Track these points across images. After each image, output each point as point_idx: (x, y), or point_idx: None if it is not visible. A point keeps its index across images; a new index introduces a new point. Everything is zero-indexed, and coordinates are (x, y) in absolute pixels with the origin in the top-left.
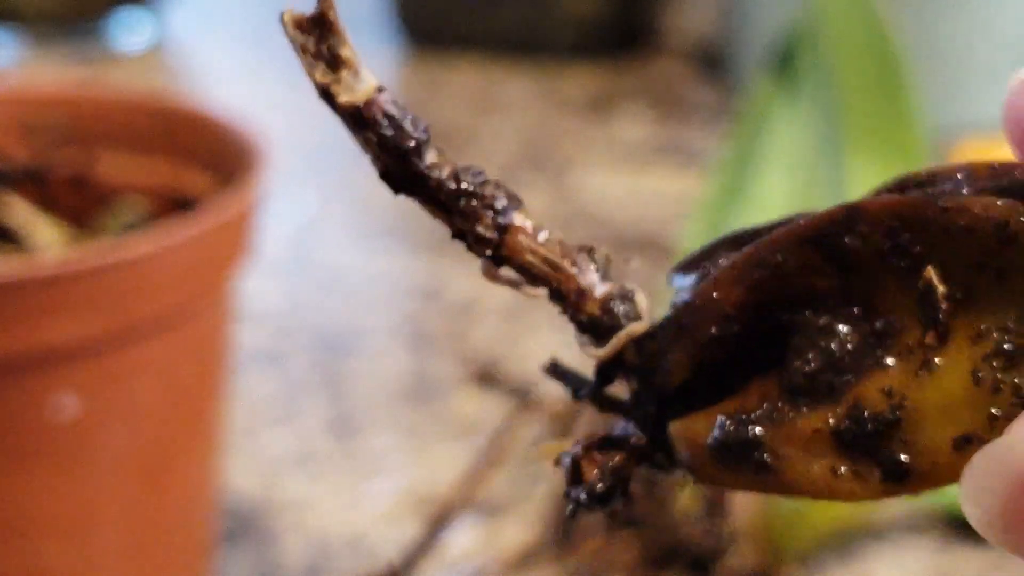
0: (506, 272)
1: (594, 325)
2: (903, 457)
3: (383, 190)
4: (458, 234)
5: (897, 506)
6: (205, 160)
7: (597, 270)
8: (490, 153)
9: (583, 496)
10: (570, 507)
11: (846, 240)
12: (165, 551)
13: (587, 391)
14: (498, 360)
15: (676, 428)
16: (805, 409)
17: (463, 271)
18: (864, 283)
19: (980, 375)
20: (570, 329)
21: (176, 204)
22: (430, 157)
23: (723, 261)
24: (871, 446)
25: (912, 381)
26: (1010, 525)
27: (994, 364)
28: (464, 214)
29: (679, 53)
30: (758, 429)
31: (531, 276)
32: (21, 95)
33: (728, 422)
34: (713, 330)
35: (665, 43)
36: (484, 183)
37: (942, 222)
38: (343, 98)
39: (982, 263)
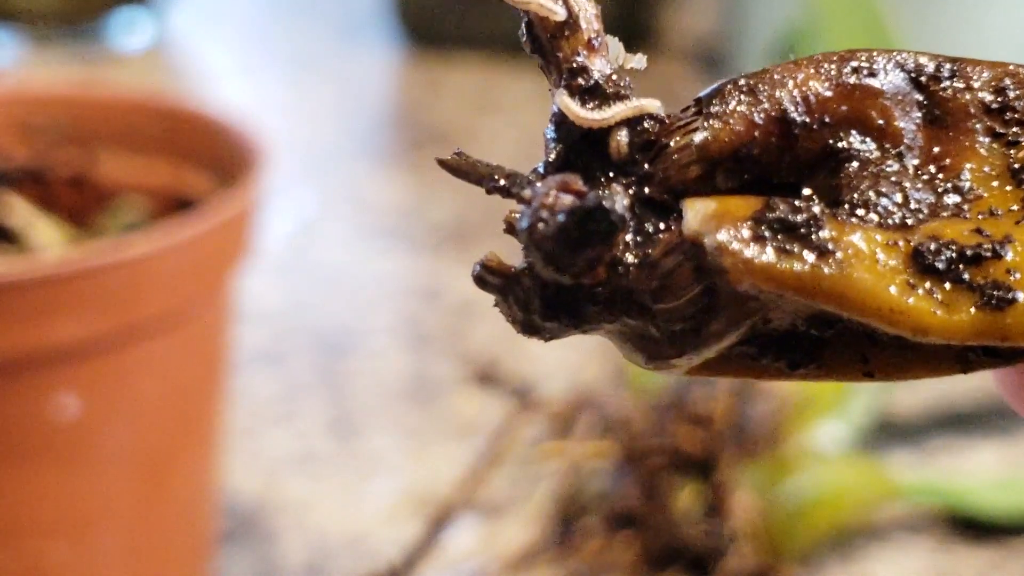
0: None
1: (596, 86)
2: (1009, 284)
3: (383, 190)
4: None
5: (897, 506)
6: (205, 160)
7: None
8: (490, 153)
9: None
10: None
11: (945, 83)
12: (165, 551)
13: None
14: (498, 360)
15: (695, 201)
16: (874, 222)
17: (463, 271)
18: (944, 137)
19: None
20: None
21: (176, 204)
22: None
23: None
24: (962, 272)
25: (1013, 227)
26: None
27: None
28: None
29: (679, 53)
30: (823, 211)
31: None
32: (21, 95)
33: (780, 201)
34: (786, 107)
35: (665, 43)
36: None
37: None
38: None
39: None
